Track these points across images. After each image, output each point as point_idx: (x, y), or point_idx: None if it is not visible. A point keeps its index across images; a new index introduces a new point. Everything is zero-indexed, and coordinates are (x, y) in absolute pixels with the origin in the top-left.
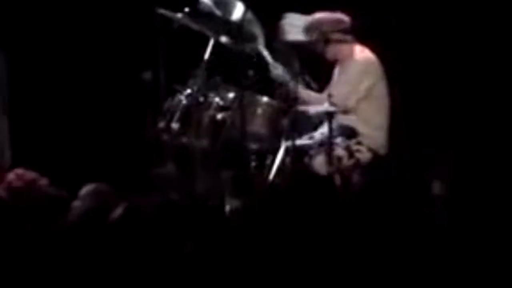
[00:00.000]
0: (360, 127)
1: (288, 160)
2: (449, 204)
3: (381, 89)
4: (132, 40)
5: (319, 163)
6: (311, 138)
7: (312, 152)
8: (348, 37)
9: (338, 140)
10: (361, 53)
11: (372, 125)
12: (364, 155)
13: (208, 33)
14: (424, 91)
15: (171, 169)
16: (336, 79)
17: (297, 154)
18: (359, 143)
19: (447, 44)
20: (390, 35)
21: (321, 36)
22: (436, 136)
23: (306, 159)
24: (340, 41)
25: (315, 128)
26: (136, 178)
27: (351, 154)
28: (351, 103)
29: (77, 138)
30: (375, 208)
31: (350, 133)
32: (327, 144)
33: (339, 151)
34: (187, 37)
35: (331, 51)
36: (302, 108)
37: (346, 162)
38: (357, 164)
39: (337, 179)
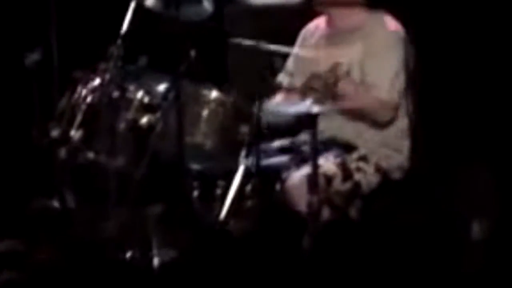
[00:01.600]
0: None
1: (249, 188)
2: (492, 252)
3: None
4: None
5: (296, 190)
6: (285, 151)
7: (286, 175)
8: None
9: (329, 153)
10: (382, 20)
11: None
12: (368, 178)
13: None
14: (454, 89)
15: (68, 201)
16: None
17: (264, 179)
18: (362, 158)
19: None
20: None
21: None
22: (471, 153)
23: (277, 186)
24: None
25: (291, 135)
26: (10, 215)
27: (347, 173)
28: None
29: None
30: (383, 262)
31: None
32: (309, 159)
33: (329, 168)
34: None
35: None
36: (276, 107)
37: (340, 185)
38: (357, 190)
39: (325, 213)
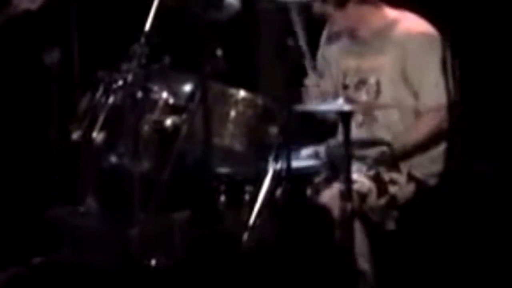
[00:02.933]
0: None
1: (279, 193)
2: None
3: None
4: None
5: (329, 200)
6: (316, 156)
7: (318, 179)
8: None
9: (362, 163)
10: (413, 21)
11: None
12: (403, 190)
13: None
14: (490, 91)
15: (91, 207)
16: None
17: (295, 184)
18: (395, 169)
19: None
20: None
21: None
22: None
23: (309, 192)
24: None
25: (323, 139)
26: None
27: (382, 187)
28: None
29: None
30: (422, 271)
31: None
32: (342, 169)
33: (363, 183)
34: None
35: (348, 15)
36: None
37: (375, 201)
38: (393, 203)
39: (358, 228)
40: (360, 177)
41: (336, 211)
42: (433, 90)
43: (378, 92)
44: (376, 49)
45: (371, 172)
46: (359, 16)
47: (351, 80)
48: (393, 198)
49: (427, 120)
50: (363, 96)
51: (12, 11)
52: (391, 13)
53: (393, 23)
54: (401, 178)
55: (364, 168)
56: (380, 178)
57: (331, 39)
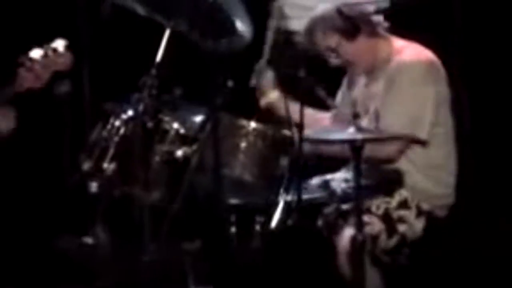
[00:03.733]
0: (406, 173)
1: (290, 223)
2: None
3: (445, 109)
4: (40, 31)
5: (340, 248)
6: (326, 187)
7: (328, 211)
8: (381, 28)
9: (371, 200)
10: (411, 50)
11: (427, 168)
12: (412, 227)
13: (161, 19)
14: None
15: (101, 237)
16: (373, 95)
17: (306, 214)
18: (403, 204)
19: None
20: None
21: (347, 23)
22: None
23: (319, 223)
24: (371, 34)
25: (333, 170)
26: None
27: (391, 227)
28: (423, 133)
29: None
30: None
31: (390, 182)
32: (353, 202)
33: (374, 225)
34: (127, 27)
35: (358, 48)
36: (315, 136)
37: (386, 243)
38: (403, 242)
39: (369, 268)
40: (370, 218)
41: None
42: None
43: (377, 120)
44: (375, 77)
45: (380, 210)
46: (368, 48)
47: (360, 109)
48: (403, 237)
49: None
50: (365, 123)
51: (17, 88)
52: (397, 43)
53: (394, 53)
54: (410, 214)
55: (373, 206)
56: (389, 217)
57: (351, 84)
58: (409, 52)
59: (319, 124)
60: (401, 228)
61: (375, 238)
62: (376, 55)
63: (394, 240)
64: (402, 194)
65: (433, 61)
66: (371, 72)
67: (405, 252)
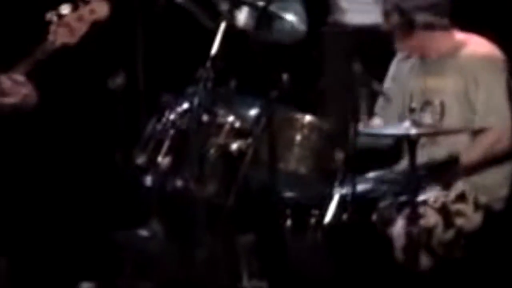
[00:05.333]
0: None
1: (345, 217)
2: None
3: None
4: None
5: (396, 237)
6: (382, 181)
7: (383, 205)
8: (445, 21)
9: (428, 191)
10: (479, 42)
11: None
12: (470, 221)
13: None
14: None
15: (155, 230)
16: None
17: (361, 208)
18: (460, 197)
19: None
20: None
21: (403, 18)
22: None
23: (374, 217)
24: (433, 27)
25: (389, 163)
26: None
27: (448, 220)
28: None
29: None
30: None
31: (447, 175)
32: (409, 196)
33: (429, 217)
34: (180, 21)
35: (420, 41)
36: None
37: (442, 235)
38: (460, 235)
39: (424, 261)
40: (426, 210)
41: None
42: (492, 111)
43: (442, 114)
44: (442, 70)
45: (438, 203)
46: (428, 41)
47: (417, 101)
48: (460, 230)
49: (483, 140)
50: (427, 118)
51: (49, 47)
52: (459, 36)
53: (459, 46)
54: (468, 208)
55: (431, 198)
56: (447, 210)
57: (402, 58)
58: (477, 44)
59: None
60: (459, 221)
61: (430, 230)
62: (438, 46)
63: (450, 233)
64: (459, 187)
65: (500, 52)
66: (435, 63)
67: (461, 245)
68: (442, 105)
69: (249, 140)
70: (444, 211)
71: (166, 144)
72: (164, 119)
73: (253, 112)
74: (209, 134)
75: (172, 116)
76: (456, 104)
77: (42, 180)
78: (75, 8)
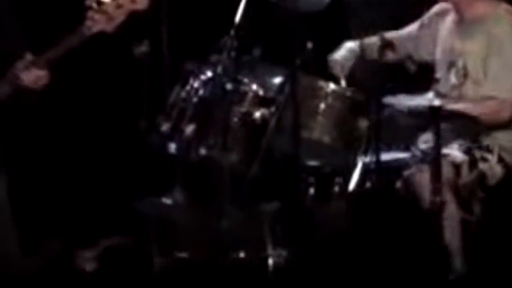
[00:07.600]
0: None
1: (369, 185)
2: None
3: None
4: None
5: (420, 184)
6: (407, 149)
7: (408, 173)
8: None
9: (454, 142)
10: (510, 15)
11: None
12: (492, 170)
13: None
14: None
15: (178, 198)
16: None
17: (384, 176)
18: (486, 148)
19: None
20: None
21: None
22: None
23: (398, 184)
24: None
25: (413, 134)
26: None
27: (473, 160)
28: None
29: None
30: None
31: (474, 129)
32: (433, 157)
33: (456, 156)
34: None
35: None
36: (397, 100)
37: (467, 173)
38: (481, 180)
39: (451, 208)
40: (452, 150)
41: (426, 199)
42: (501, 80)
43: (465, 76)
44: (469, 34)
45: (463, 147)
46: (468, 1)
47: (445, 61)
48: (482, 174)
49: (484, 104)
50: (452, 78)
51: (86, 32)
52: (492, 3)
53: (493, 13)
54: (492, 157)
55: (455, 145)
56: (472, 153)
57: (440, 12)
58: (505, 13)
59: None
60: (482, 165)
61: (458, 166)
62: (473, 9)
63: (473, 175)
64: (484, 141)
65: None
66: (465, 26)
67: (480, 196)
68: (465, 68)
69: (273, 109)
70: (469, 153)
71: (190, 112)
72: (188, 87)
73: (277, 80)
74: (232, 102)
75: (196, 84)
76: (475, 68)
77: (68, 149)
78: None
